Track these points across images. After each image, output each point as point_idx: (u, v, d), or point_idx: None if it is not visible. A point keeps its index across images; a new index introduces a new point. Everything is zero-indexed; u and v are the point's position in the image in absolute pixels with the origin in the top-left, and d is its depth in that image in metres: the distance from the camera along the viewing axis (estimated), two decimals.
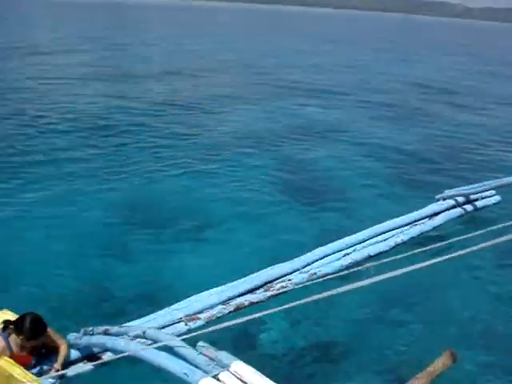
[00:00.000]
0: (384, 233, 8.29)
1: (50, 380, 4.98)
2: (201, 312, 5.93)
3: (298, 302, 3.73)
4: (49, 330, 5.29)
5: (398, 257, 4.48)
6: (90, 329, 5.64)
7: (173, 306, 6.08)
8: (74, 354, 5.44)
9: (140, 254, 8.06)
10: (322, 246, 7.56)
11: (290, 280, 6.74)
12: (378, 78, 31.91)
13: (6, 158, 12.38)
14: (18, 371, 4.94)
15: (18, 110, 17.51)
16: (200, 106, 19.93)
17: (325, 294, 3.65)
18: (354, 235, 7.99)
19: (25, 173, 11.42)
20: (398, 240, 8.14)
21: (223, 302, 6.13)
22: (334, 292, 3.65)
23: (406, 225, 8.72)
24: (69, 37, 44.97)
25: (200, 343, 4.47)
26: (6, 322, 5.24)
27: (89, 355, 5.46)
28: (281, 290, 6.44)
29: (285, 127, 17.36)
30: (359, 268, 4.65)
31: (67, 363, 5.26)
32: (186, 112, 18.82)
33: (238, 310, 5.96)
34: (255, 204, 10.31)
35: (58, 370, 5.01)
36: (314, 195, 11.13)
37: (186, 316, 5.78)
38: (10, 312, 5.68)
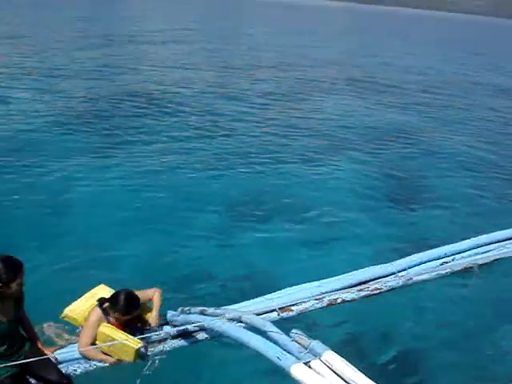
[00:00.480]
0: (487, 245, 7.97)
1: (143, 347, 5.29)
2: (294, 304, 6.02)
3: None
4: (137, 292, 5.61)
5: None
6: (187, 308, 5.93)
7: (267, 296, 6.22)
8: (170, 330, 5.74)
9: (241, 242, 8.35)
10: (419, 252, 7.42)
11: (384, 283, 6.67)
12: (487, 82, 30.61)
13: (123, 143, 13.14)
14: (119, 334, 5.28)
15: (132, 91, 18.63)
16: (304, 100, 20.11)
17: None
18: (454, 244, 7.75)
19: (138, 155, 12.08)
20: (501, 254, 7.79)
21: (316, 297, 6.19)
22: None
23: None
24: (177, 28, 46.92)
25: (294, 330, 4.58)
26: (101, 300, 5.60)
27: (183, 333, 5.74)
28: (375, 292, 6.40)
29: (388, 127, 17.16)
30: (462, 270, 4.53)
31: (161, 339, 5.55)
32: (290, 105, 19.06)
33: (331, 306, 6.02)
34: (354, 204, 10.32)
35: (157, 322, 5.43)
36: (415, 199, 10.93)
37: (279, 307, 5.90)
38: (106, 287, 6.05)
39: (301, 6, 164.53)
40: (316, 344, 4.27)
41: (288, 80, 25.06)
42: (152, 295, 5.77)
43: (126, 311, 5.41)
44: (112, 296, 5.56)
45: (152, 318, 5.63)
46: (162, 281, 6.84)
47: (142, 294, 5.74)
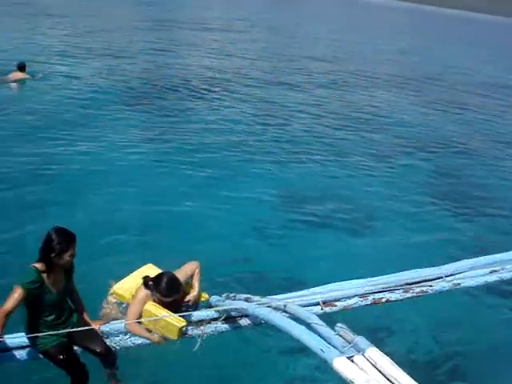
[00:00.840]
0: None
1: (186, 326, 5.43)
2: (338, 300, 6.04)
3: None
4: (179, 273, 5.78)
5: None
6: (233, 294, 6.04)
7: (312, 289, 6.25)
8: (214, 314, 5.84)
9: (290, 234, 8.42)
10: (469, 258, 7.31)
11: (430, 286, 6.60)
12: None
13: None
14: (163, 313, 5.43)
15: (188, 76, 19.09)
16: (359, 94, 19.97)
17: None
18: (506, 253, 7.59)
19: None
20: None
21: (360, 295, 6.18)
22: None
23: None
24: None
25: (338, 324, 4.60)
26: (146, 278, 5.75)
27: (227, 317, 5.83)
28: (420, 294, 6.35)
29: (448, 133, 16.86)
30: None
31: (204, 321, 5.68)
32: (347, 98, 18.96)
33: (375, 305, 6.00)
34: (407, 204, 10.23)
35: (198, 300, 5.67)
36: (469, 205, 10.75)
37: (323, 301, 5.93)
38: (154, 266, 6.21)
39: (365, 4, 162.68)
40: (360, 340, 4.28)
41: (349, 74, 24.90)
42: (191, 272, 5.89)
43: (167, 293, 5.55)
44: (156, 276, 5.71)
45: (193, 295, 5.80)
46: (208, 265, 6.97)
47: (182, 274, 5.87)
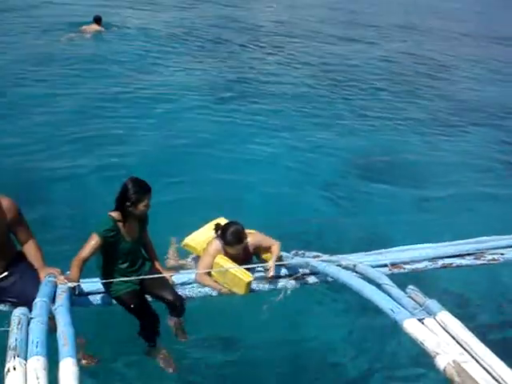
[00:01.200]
0: None
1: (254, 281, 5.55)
2: (406, 263, 6.03)
3: None
4: (258, 236, 5.88)
5: None
6: (302, 252, 6.12)
7: (378, 251, 6.27)
8: (282, 270, 5.96)
9: (361, 197, 8.42)
10: None
11: (502, 254, 6.48)
12: None
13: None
14: (232, 266, 5.55)
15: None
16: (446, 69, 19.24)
17: None
18: None
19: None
20: None
21: (430, 259, 6.14)
22: None
23: None
24: None
25: (410, 287, 4.60)
26: (217, 226, 5.88)
27: (293, 274, 5.94)
28: (491, 262, 6.25)
29: None
30: None
31: (272, 278, 5.76)
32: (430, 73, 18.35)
33: (444, 268, 5.97)
34: (481, 174, 9.94)
35: (272, 271, 5.57)
36: None
37: (391, 262, 5.93)
38: (225, 220, 6.30)
39: None
40: (431, 303, 4.28)
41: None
42: (270, 244, 5.92)
43: (229, 242, 5.60)
44: (224, 224, 5.81)
45: (268, 266, 5.71)
46: (278, 223, 7.07)
47: (262, 238, 5.93)
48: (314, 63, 17.24)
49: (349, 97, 14.07)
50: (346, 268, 5.33)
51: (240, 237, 5.63)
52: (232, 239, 5.59)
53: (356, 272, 5.26)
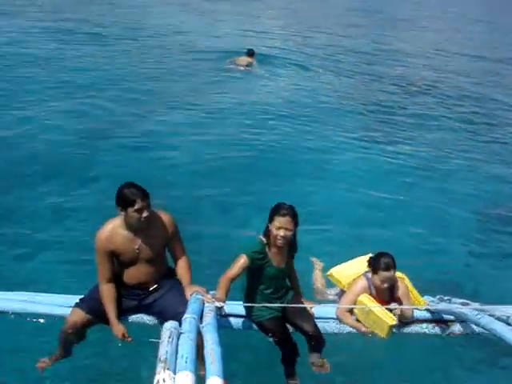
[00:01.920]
0: None
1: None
2: None
3: None
4: (406, 290, 5.64)
5: None
6: (447, 297, 5.84)
7: None
8: (425, 315, 5.70)
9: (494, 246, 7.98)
10: None
11: None
12: None
13: None
14: (376, 305, 5.37)
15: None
16: None
17: None
18: None
19: None
20: None
21: None
22: None
23: None
24: None
25: None
26: (370, 259, 5.68)
27: (437, 320, 5.68)
28: None
29: None
30: None
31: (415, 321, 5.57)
32: None
33: None
34: None
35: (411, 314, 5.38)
36: None
37: None
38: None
39: None
40: None
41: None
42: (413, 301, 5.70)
43: (377, 266, 5.45)
44: (376, 255, 5.63)
45: (406, 311, 5.48)
46: (423, 265, 6.85)
47: (408, 294, 5.68)
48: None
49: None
50: (499, 319, 4.99)
51: (390, 265, 5.44)
52: (382, 265, 5.42)
53: (509, 324, 4.92)
